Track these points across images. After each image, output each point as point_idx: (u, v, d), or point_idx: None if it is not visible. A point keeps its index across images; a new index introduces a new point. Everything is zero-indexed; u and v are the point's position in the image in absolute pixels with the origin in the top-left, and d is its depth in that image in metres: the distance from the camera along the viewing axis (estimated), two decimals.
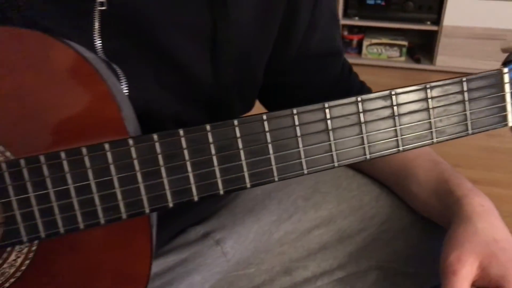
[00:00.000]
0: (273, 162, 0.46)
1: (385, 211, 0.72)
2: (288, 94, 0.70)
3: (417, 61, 2.83)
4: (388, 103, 0.45)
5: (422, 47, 2.93)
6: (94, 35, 0.51)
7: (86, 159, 0.44)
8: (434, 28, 2.68)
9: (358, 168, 0.77)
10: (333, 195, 0.73)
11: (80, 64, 0.43)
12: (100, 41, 0.51)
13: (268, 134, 0.45)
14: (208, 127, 0.45)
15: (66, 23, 0.49)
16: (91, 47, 0.51)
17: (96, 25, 0.50)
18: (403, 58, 2.88)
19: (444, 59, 2.71)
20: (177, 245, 0.66)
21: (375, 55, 2.90)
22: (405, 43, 2.85)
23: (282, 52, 0.64)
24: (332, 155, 0.46)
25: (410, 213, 0.71)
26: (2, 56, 0.42)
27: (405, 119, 0.46)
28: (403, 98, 0.46)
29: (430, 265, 0.70)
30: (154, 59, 0.54)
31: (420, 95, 0.46)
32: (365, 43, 2.89)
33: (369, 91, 0.75)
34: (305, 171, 0.46)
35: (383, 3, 2.72)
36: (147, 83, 0.55)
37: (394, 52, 2.88)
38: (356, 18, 2.83)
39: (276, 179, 0.47)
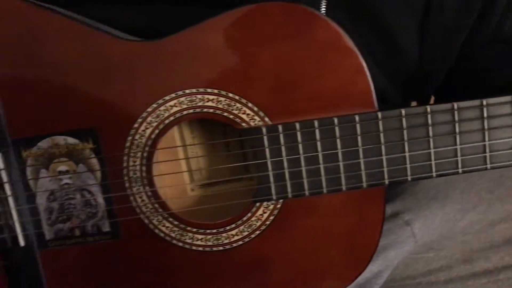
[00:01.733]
0: (487, 149, 0.44)
1: None
2: (468, 81, 0.66)
3: None
4: None
5: None
6: (322, 3, 0.51)
7: (337, 129, 0.45)
8: None
9: None
10: None
11: (340, 39, 0.44)
12: (325, 10, 0.50)
13: (485, 121, 0.44)
14: (455, 105, 0.43)
15: None
16: None
17: None
18: None
19: None
20: None
21: None
22: None
23: (476, 34, 0.60)
24: None
25: None
26: (267, 27, 0.44)
27: None
28: None
29: None
30: (367, 30, 0.53)
31: None
32: None
33: None
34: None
35: None
36: None
37: None
38: None
39: (488, 167, 0.45)
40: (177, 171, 0.54)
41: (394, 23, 0.54)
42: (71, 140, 0.47)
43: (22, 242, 0.48)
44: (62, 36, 0.45)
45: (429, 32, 0.56)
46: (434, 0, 0.54)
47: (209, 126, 0.54)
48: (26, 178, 0.47)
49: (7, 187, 0.47)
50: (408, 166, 0.45)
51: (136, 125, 0.46)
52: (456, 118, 0.44)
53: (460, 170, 0.45)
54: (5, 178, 0.47)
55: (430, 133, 0.44)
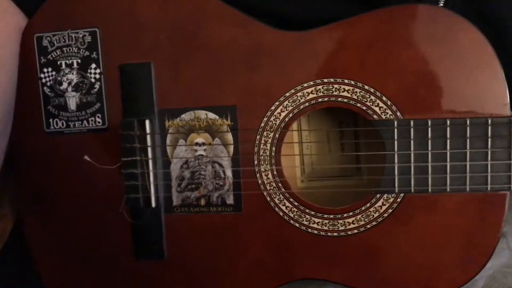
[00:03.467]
0: None
1: None
2: None
3: None
4: None
5: None
6: (439, 2, 0.50)
7: (468, 129, 0.45)
8: None
9: None
10: None
11: (482, 44, 0.44)
12: None
13: None
14: None
15: None
16: None
17: None
18: None
19: None
20: None
21: None
22: None
23: None
24: None
25: None
26: (412, 27, 0.45)
27: None
28: None
29: None
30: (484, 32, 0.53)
31: None
32: None
33: None
34: None
35: None
36: None
37: None
38: None
39: None
40: (292, 164, 0.56)
41: None
42: (211, 115, 0.50)
43: (153, 203, 0.51)
44: (219, 20, 0.49)
45: None
46: None
47: (326, 124, 0.56)
48: (166, 145, 0.51)
49: (149, 150, 0.50)
50: None
51: (272, 108, 0.49)
52: None
53: None
54: (148, 142, 0.50)
55: None
